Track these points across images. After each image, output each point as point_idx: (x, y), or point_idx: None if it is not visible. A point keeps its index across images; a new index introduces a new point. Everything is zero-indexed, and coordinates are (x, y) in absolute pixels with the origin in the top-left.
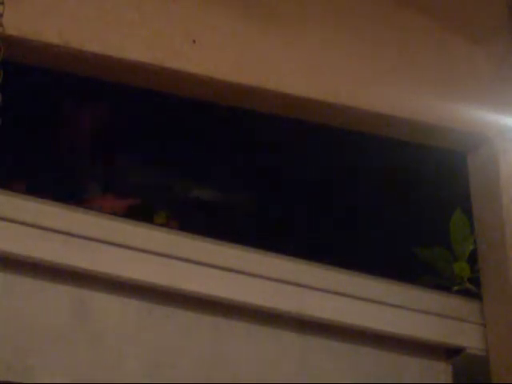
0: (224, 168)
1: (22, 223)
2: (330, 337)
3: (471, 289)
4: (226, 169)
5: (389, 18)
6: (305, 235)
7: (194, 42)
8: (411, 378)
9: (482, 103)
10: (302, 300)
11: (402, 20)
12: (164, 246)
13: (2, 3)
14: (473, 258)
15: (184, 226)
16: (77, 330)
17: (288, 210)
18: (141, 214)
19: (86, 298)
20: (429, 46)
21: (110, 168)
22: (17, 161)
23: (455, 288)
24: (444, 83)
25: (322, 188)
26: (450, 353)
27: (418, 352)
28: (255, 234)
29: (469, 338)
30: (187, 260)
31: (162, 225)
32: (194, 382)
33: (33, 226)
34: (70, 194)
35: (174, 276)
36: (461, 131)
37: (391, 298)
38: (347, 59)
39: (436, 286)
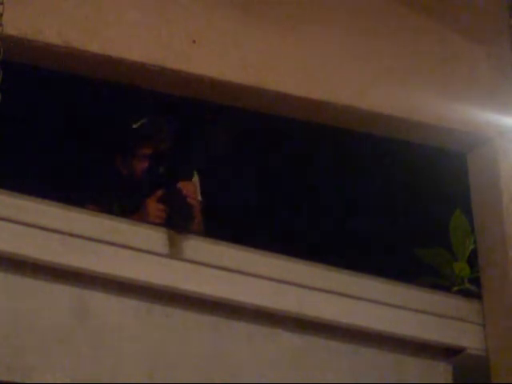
0: None
1: (22, 223)
2: (329, 337)
3: (471, 289)
4: None
5: (389, 19)
6: (305, 235)
7: (194, 41)
8: (411, 378)
9: (482, 103)
10: (302, 300)
11: (402, 21)
12: (164, 246)
13: (2, 3)
14: (473, 258)
15: None
16: (77, 330)
17: (288, 210)
18: None
19: (86, 298)
20: (429, 47)
21: None
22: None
23: (455, 288)
24: (444, 83)
25: (323, 188)
26: (450, 353)
27: (418, 352)
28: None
29: (469, 338)
30: (187, 260)
31: None
32: (194, 382)
33: (33, 226)
34: None
35: (174, 276)
36: (461, 131)
37: (391, 297)
38: (347, 59)
39: (436, 286)
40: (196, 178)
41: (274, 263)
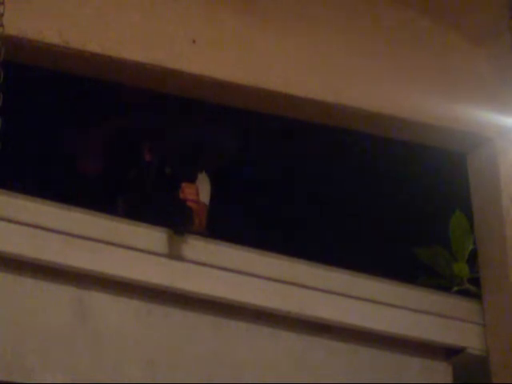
0: None
1: (22, 223)
2: (329, 337)
3: (471, 289)
4: None
5: (389, 19)
6: (306, 235)
7: (194, 42)
8: (411, 378)
9: (482, 103)
10: (302, 300)
11: (402, 21)
12: (164, 246)
13: (2, 3)
14: (473, 258)
15: None
16: (77, 330)
17: (289, 210)
18: None
19: (86, 298)
20: (429, 47)
21: None
22: None
23: (455, 288)
24: (444, 84)
25: (323, 188)
26: (450, 353)
27: (418, 352)
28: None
29: (469, 338)
30: (187, 260)
31: None
32: (194, 382)
33: (33, 225)
34: None
35: (174, 276)
36: (461, 131)
37: (391, 298)
38: (348, 59)
39: (436, 286)
40: (207, 182)
41: (274, 263)
